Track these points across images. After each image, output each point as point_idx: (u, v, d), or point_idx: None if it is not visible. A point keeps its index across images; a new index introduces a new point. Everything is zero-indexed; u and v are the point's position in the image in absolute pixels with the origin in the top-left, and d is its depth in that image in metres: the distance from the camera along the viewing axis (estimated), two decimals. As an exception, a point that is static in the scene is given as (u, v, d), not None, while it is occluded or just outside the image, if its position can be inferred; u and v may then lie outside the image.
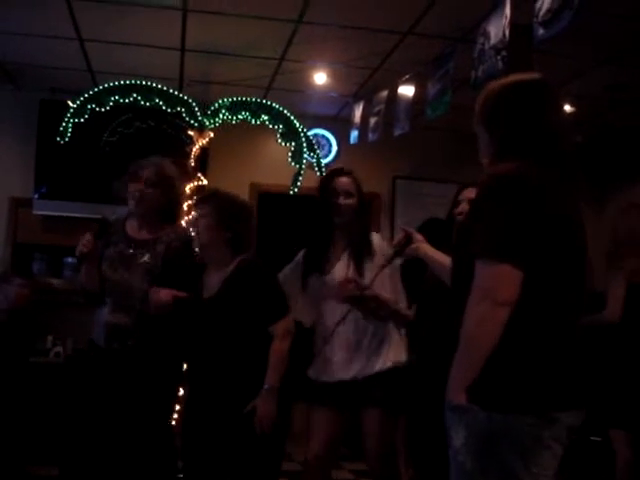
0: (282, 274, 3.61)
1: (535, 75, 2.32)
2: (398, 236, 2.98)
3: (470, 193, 2.95)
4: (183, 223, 4.92)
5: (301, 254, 3.62)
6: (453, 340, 2.06)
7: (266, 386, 3.26)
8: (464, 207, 3.05)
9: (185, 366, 3.67)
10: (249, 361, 3.32)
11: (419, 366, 3.27)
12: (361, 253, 3.41)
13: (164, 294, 3.35)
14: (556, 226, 2.07)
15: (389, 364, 3.36)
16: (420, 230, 3.09)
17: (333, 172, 3.61)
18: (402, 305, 3.48)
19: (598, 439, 4.60)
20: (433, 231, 3.26)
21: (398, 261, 3.31)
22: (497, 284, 1.98)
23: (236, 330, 3.34)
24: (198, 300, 3.43)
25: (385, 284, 3.35)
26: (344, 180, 3.50)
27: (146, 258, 3.48)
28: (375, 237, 3.52)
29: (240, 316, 3.33)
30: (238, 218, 3.46)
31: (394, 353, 3.39)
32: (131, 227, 3.59)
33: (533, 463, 2.01)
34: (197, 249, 3.55)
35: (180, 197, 3.72)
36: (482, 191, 2.11)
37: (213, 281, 3.44)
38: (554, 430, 2.03)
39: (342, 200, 3.43)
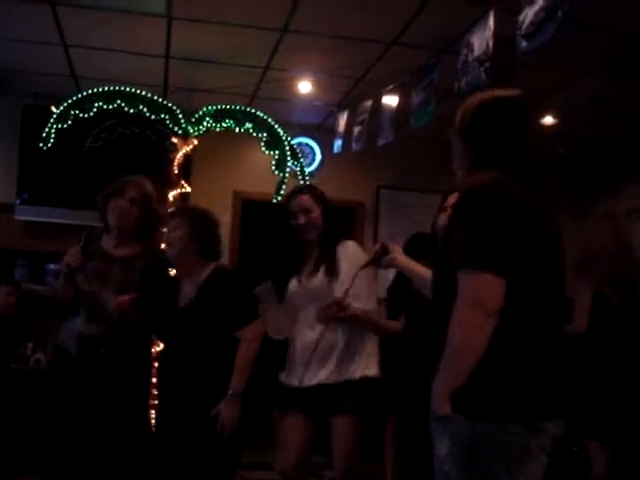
0: (261, 287, 3.72)
1: (515, 91, 2.34)
2: (375, 247, 3.04)
3: (454, 199, 2.96)
4: (165, 230, 4.93)
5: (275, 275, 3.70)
6: (435, 349, 2.07)
7: (230, 391, 3.39)
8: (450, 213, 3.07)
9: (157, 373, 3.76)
10: (220, 366, 3.43)
11: (407, 372, 3.28)
12: (329, 258, 3.46)
13: (121, 298, 3.45)
14: (533, 236, 2.09)
15: (359, 374, 3.38)
16: (407, 245, 3.14)
17: (291, 193, 3.67)
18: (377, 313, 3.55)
19: (576, 449, 4.63)
20: (419, 245, 3.30)
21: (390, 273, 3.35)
22: (483, 293, 1.99)
23: (209, 336, 3.48)
24: (174, 309, 3.59)
25: (362, 292, 3.35)
26: (300, 198, 3.55)
27: (122, 274, 3.56)
28: (350, 245, 3.55)
29: (213, 322, 3.47)
30: (208, 229, 3.66)
31: (365, 365, 3.41)
32: (107, 242, 3.66)
33: (519, 472, 2.01)
34: (170, 260, 3.69)
35: (158, 217, 3.78)
36: (459, 202, 2.13)
37: (188, 290, 3.62)
38: (540, 439, 2.04)
39: (301, 219, 3.50)
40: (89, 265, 3.57)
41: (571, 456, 4.68)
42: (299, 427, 3.44)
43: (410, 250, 3.12)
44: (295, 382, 3.43)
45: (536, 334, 2.10)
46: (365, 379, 3.38)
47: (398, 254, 2.94)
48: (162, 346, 4.04)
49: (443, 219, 3.10)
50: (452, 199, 3.06)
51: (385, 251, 2.94)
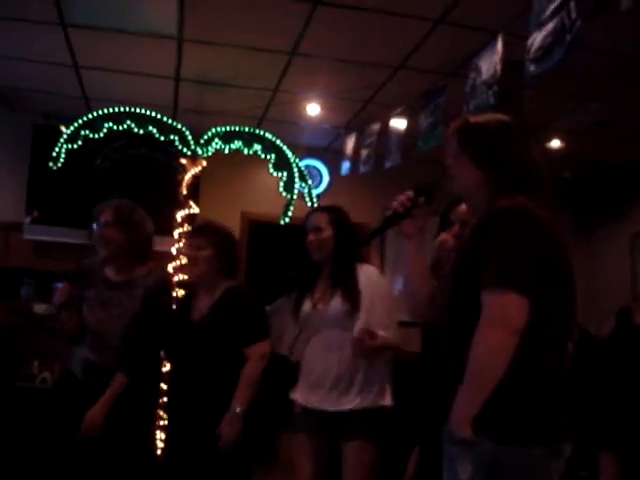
0: (274, 304, 3.73)
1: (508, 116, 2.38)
2: (399, 198, 2.45)
3: (463, 211, 2.90)
4: (173, 250, 4.94)
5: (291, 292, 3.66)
6: (454, 373, 2.07)
7: (233, 408, 3.37)
8: (458, 230, 3.00)
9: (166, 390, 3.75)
10: (226, 383, 3.43)
11: (428, 395, 3.25)
12: (346, 283, 3.39)
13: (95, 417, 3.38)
14: (555, 258, 2.11)
15: (377, 403, 3.33)
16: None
17: (309, 211, 3.69)
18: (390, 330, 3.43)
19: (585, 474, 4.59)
20: None
21: (397, 287, 3.27)
22: (509, 312, 1.99)
23: (220, 352, 3.48)
24: (187, 323, 3.59)
25: (384, 319, 3.32)
26: (313, 216, 3.57)
27: (123, 300, 3.57)
28: (372, 271, 3.49)
29: (224, 339, 3.47)
30: (231, 249, 3.70)
31: (381, 394, 3.36)
32: (108, 270, 3.67)
33: None
34: (191, 278, 3.69)
35: (145, 235, 3.73)
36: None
37: (202, 305, 3.62)
38: (559, 461, 2.04)
39: (311, 237, 3.49)
40: (91, 293, 3.60)
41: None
42: (309, 448, 3.39)
43: None
44: (310, 404, 3.38)
45: (556, 355, 2.11)
46: (381, 408, 3.34)
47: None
48: (168, 367, 4.02)
49: (449, 239, 3.05)
50: (461, 211, 3.03)
51: (414, 206, 2.42)
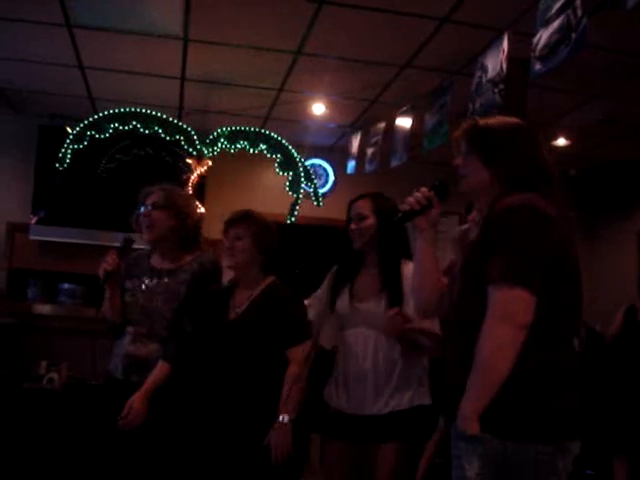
0: (314, 295, 3.52)
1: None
2: (416, 194, 2.46)
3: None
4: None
5: (330, 275, 3.50)
6: (461, 368, 2.07)
7: (281, 417, 3.14)
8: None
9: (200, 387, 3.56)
10: (269, 385, 3.23)
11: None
12: (393, 283, 3.24)
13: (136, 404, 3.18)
14: (564, 254, 2.12)
15: (414, 403, 3.19)
16: None
17: (352, 199, 3.46)
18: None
19: (592, 473, 4.59)
20: None
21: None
22: (516, 308, 2.00)
23: (259, 352, 3.26)
24: (224, 321, 3.37)
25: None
26: (357, 204, 3.38)
27: (169, 286, 3.41)
28: (410, 267, 3.12)
29: (263, 338, 3.26)
30: (271, 241, 3.45)
31: (418, 393, 3.23)
32: (154, 259, 3.52)
33: None
34: (228, 268, 3.45)
35: (194, 222, 3.55)
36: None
37: (241, 300, 3.40)
38: (566, 459, 2.04)
39: (352, 225, 3.32)
40: (134, 282, 3.45)
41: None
42: (344, 454, 3.26)
43: None
44: (344, 407, 3.24)
45: (564, 352, 2.12)
46: (419, 407, 3.19)
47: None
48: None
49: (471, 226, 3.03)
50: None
51: (430, 205, 2.45)
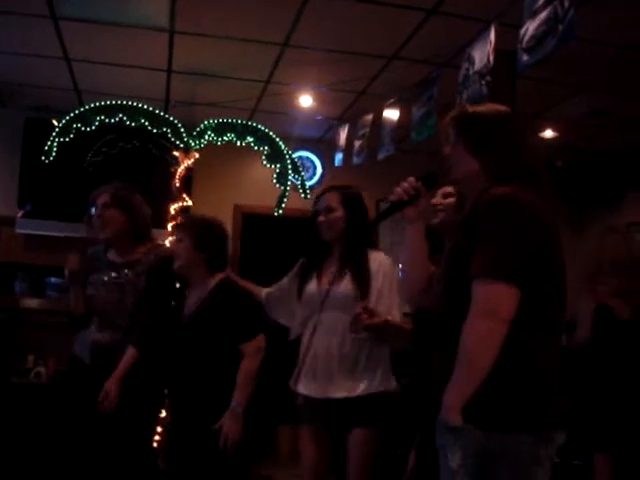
0: (278, 283, 3.67)
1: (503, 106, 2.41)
2: (404, 185, 2.46)
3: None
4: (167, 243, 4.93)
5: (298, 265, 3.60)
6: (446, 361, 2.07)
7: (232, 404, 3.37)
8: (438, 200, 3.17)
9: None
10: (222, 379, 3.42)
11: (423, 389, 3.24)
12: (360, 269, 3.33)
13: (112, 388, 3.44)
14: (548, 248, 2.12)
15: (381, 388, 3.28)
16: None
17: (319, 192, 3.61)
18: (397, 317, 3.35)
19: (579, 463, 4.61)
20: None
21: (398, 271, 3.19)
22: (499, 301, 2.01)
23: (211, 348, 3.47)
24: (178, 320, 3.60)
25: (383, 296, 3.29)
26: (325, 196, 3.49)
27: (128, 278, 3.65)
28: (378, 255, 3.42)
29: (214, 334, 3.46)
30: (213, 239, 3.64)
31: (386, 378, 3.32)
32: (111, 254, 3.76)
33: None
34: (176, 272, 3.68)
35: (142, 216, 3.79)
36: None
37: (192, 300, 3.62)
38: (549, 449, 2.06)
39: (321, 217, 3.42)
40: (97, 276, 3.69)
41: (573, 470, 4.67)
42: (316, 440, 3.35)
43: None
44: (313, 392, 3.32)
45: (546, 344, 2.12)
46: (385, 393, 3.28)
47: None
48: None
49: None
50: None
51: (417, 195, 2.44)
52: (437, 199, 3.22)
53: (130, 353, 3.49)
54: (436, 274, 2.40)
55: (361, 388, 3.25)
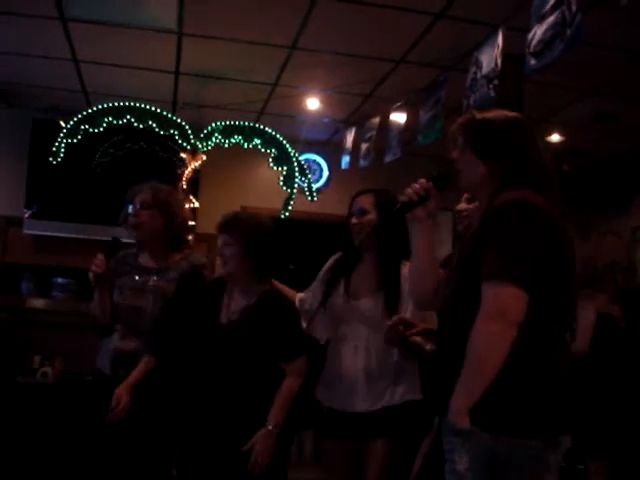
0: (307, 290, 3.48)
1: (514, 112, 2.41)
2: (414, 186, 2.44)
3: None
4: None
5: (325, 270, 3.45)
6: (454, 363, 2.08)
7: (269, 426, 3.10)
8: (463, 206, 3.17)
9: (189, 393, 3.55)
10: (258, 396, 3.16)
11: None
12: (391, 283, 3.18)
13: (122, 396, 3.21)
14: (559, 251, 2.12)
15: (404, 398, 3.18)
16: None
17: (354, 194, 3.39)
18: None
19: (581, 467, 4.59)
20: None
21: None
22: (508, 304, 2.01)
23: (251, 361, 3.18)
24: (215, 323, 3.28)
25: (408, 311, 3.15)
26: (358, 198, 3.32)
27: (157, 284, 3.43)
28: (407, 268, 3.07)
29: (258, 346, 3.16)
30: (262, 245, 3.23)
31: (409, 388, 3.20)
32: (143, 258, 3.53)
33: None
34: (224, 277, 3.36)
35: (182, 221, 3.57)
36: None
37: (235, 306, 3.29)
38: (557, 453, 2.06)
39: (353, 220, 3.26)
40: (123, 280, 3.47)
41: (576, 474, 4.65)
42: (341, 452, 3.26)
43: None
44: (337, 405, 3.22)
45: (555, 348, 2.13)
46: (410, 402, 3.17)
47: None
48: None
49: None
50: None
51: (428, 196, 2.43)
52: (462, 205, 3.19)
53: (146, 362, 3.25)
54: (443, 277, 2.41)
55: (382, 402, 3.15)
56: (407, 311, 3.10)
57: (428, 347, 3.10)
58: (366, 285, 3.24)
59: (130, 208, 3.47)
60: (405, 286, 3.10)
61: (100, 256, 3.37)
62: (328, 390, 3.27)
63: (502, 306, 2.00)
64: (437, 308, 2.48)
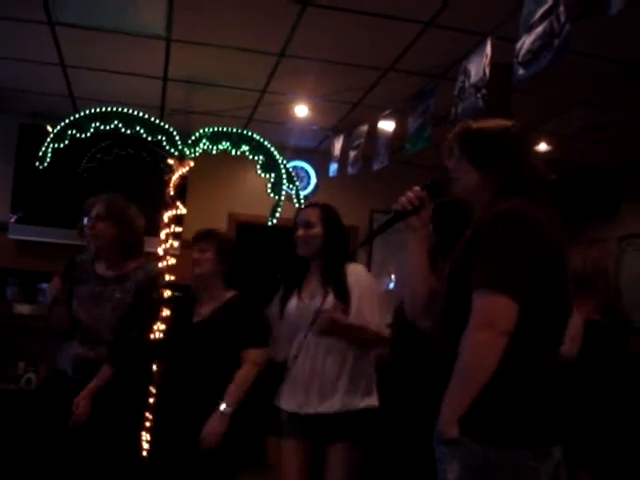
0: (267, 311, 3.66)
1: (508, 121, 2.40)
2: (408, 194, 2.43)
3: None
4: (160, 251, 4.91)
5: (279, 289, 3.64)
6: (443, 373, 2.07)
7: (220, 407, 3.40)
8: None
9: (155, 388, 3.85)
10: (218, 384, 3.46)
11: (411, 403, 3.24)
12: (337, 278, 3.35)
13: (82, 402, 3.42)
14: (551, 261, 2.12)
15: (362, 404, 3.30)
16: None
17: (299, 208, 3.71)
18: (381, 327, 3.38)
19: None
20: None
21: (384, 287, 3.22)
22: (497, 314, 2.01)
23: (215, 353, 3.51)
24: (188, 325, 3.65)
25: (362, 307, 3.30)
26: (305, 211, 3.55)
27: (115, 294, 3.61)
28: (355, 267, 3.47)
29: (223, 340, 3.52)
30: (234, 255, 3.76)
31: (367, 395, 3.33)
32: (99, 266, 3.70)
33: None
34: (195, 277, 3.72)
35: (136, 230, 3.76)
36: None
37: (205, 309, 3.66)
38: (547, 464, 2.05)
39: (300, 232, 3.45)
40: (81, 289, 3.63)
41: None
42: (296, 454, 3.36)
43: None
44: (294, 408, 3.35)
45: (546, 358, 2.12)
46: (366, 410, 3.30)
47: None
48: (158, 367, 4.02)
49: None
50: None
51: (422, 205, 2.41)
52: None
53: (105, 370, 3.49)
54: (437, 285, 2.40)
55: (339, 405, 3.26)
56: (354, 309, 3.28)
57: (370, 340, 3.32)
58: (316, 286, 3.42)
59: (85, 220, 3.68)
60: (352, 284, 3.32)
61: (56, 279, 3.61)
62: (286, 394, 3.41)
63: (491, 316, 2.00)
64: (430, 319, 2.47)
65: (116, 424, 3.47)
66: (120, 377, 3.50)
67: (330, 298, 3.31)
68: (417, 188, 2.43)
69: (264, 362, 3.53)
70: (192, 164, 5.60)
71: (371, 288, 3.41)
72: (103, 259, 3.70)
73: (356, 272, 3.43)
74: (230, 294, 3.70)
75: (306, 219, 3.47)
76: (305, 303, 3.41)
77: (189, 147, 5.53)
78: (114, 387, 3.47)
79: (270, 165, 5.66)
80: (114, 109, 5.29)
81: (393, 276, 3.90)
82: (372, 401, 3.34)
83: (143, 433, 4.17)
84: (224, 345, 3.52)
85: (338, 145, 6.56)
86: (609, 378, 4.17)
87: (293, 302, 3.46)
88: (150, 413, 4.16)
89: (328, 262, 3.41)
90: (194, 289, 3.79)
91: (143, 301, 3.62)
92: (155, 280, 3.76)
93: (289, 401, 3.39)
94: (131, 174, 6.59)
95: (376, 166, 5.90)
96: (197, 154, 5.58)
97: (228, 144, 5.61)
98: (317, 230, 3.44)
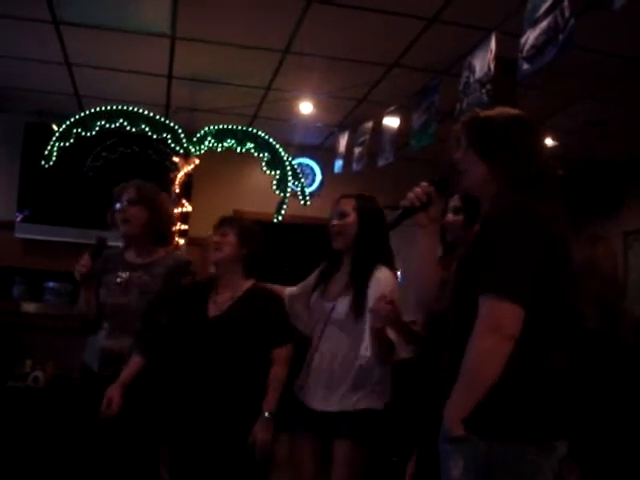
0: (293, 288, 3.61)
1: (518, 110, 2.38)
2: (416, 190, 2.44)
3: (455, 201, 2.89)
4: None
5: (315, 273, 3.55)
6: (450, 373, 2.07)
7: (266, 413, 3.28)
8: (450, 217, 2.92)
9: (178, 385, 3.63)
10: (247, 384, 3.34)
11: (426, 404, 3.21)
12: (359, 286, 3.23)
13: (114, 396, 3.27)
14: (557, 259, 2.11)
15: (363, 406, 3.22)
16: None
17: (337, 198, 3.49)
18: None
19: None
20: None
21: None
22: (503, 320, 2.00)
23: (239, 351, 3.36)
24: (204, 317, 3.47)
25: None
26: (340, 201, 3.41)
27: (143, 280, 3.50)
28: (381, 273, 3.25)
29: (246, 337, 3.37)
30: (256, 240, 3.59)
31: (370, 399, 3.24)
32: (128, 254, 3.61)
33: None
34: (214, 262, 3.59)
35: (167, 217, 3.70)
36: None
37: (222, 300, 3.50)
38: (551, 459, 2.05)
39: (333, 222, 3.34)
40: (110, 277, 3.53)
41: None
42: (310, 447, 3.32)
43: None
44: (308, 402, 3.31)
45: (552, 356, 2.12)
46: (368, 410, 3.21)
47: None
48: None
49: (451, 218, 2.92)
50: (453, 201, 2.95)
51: (430, 201, 2.41)
52: (449, 216, 3.15)
53: (135, 361, 3.34)
54: (446, 280, 2.39)
55: (341, 405, 3.22)
56: (368, 315, 3.11)
57: (403, 354, 3.12)
58: (339, 287, 3.34)
59: (117, 205, 3.56)
60: (373, 289, 3.15)
61: (85, 256, 3.45)
62: (301, 386, 3.38)
63: (497, 321, 2.00)
64: (437, 312, 2.46)
65: (146, 416, 3.37)
66: (149, 367, 3.36)
67: (348, 300, 3.23)
68: (425, 184, 2.41)
69: (292, 357, 3.42)
70: (197, 162, 5.62)
71: (387, 289, 3.15)
72: (133, 247, 3.60)
73: (380, 278, 3.23)
74: (248, 284, 3.52)
75: (340, 209, 3.36)
76: (324, 303, 3.34)
77: (194, 145, 5.55)
78: (144, 378, 3.34)
79: (275, 162, 5.68)
80: (119, 107, 5.32)
81: (399, 272, 3.83)
82: (371, 404, 3.24)
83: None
84: (246, 342, 3.36)
85: (343, 142, 6.56)
86: (594, 371, 4.18)
87: (317, 296, 3.41)
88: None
89: (358, 259, 3.28)
90: (213, 275, 3.63)
91: (172, 287, 3.49)
92: (185, 267, 3.61)
93: (303, 392, 3.36)
94: (136, 172, 6.52)
95: (381, 162, 5.91)
96: (202, 152, 5.61)
97: (233, 141, 5.63)
98: (350, 220, 3.31)
